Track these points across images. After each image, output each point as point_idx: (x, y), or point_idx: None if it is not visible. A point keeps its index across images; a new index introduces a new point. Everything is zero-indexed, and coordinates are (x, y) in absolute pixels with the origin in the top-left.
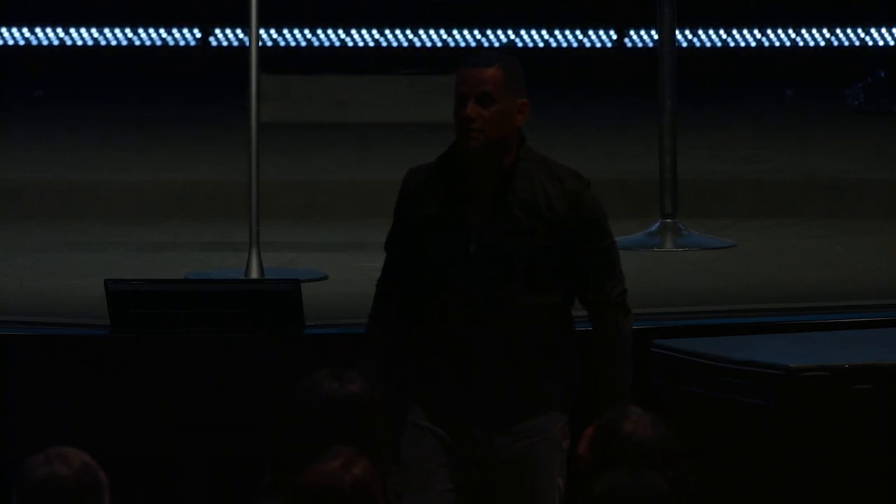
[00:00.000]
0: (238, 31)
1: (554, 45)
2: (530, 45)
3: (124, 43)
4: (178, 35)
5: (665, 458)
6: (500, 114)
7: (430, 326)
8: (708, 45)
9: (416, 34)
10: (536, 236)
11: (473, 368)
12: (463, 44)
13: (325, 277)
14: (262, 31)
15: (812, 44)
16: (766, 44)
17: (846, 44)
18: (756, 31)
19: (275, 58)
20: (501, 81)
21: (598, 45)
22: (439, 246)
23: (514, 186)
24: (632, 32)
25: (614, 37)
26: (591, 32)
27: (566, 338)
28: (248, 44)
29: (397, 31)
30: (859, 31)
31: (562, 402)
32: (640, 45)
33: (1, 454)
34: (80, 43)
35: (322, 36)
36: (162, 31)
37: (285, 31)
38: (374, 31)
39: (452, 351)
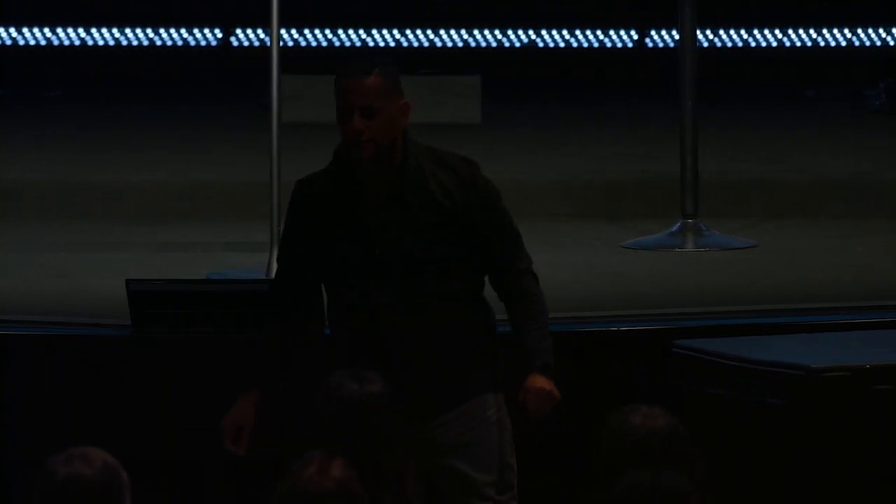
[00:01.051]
0: (259, 31)
1: (575, 45)
2: (551, 45)
3: (146, 43)
4: (199, 35)
5: (676, 450)
6: (386, 121)
7: (346, 331)
8: (729, 45)
9: (436, 34)
10: (437, 228)
11: (394, 367)
12: (483, 44)
13: None
14: (283, 32)
15: (833, 44)
16: (787, 44)
17: (867, 44)
18: (777, 32)
19: (296, 58)
20: (382, 89)
21: (619, 45)
22: (343, 254)
23: (407, 183)
24: (653, 32)
25: (635, 37)
26: (611, 32)
27: (483, 320)
28: (269, 44)
29: (418, 32)
30: (881, 31)
31: (491, 383)
32: (660, 45)
33: (21, 454)
34: (101, 43)
35: (343, 36)
36: (183, 31)
37: (306, 32)
38: (395, 31)
39: (372, 353)
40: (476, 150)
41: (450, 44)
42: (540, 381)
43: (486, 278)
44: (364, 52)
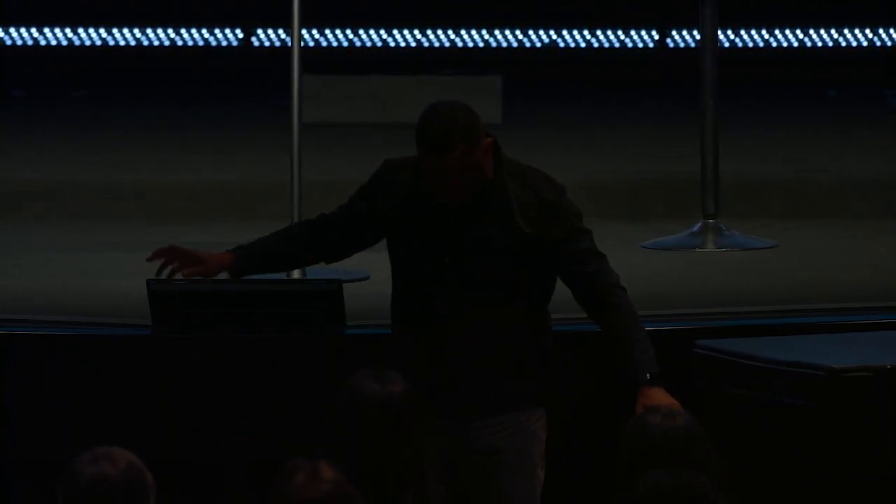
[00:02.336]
0: (280, 31)
1: (595, 45)
2: (572, 45)
3: (166, 43)
4: (220, 35)
5: (695, 450)
6: (471, 176)
7: (407, 327)
8: (750, 45)
9: (457, 34)
10: (507, 248)
11: (447, 369)
12: (504, 44)
13: (367, 277)
14: (304, 32)
15: (854, 44)
16: (808, 44)
17: (889, 44)
18: (798, 32)
19: (317, 58)
20: (462, 159)
21: (640, 45)
22: (415, 255)
23: (489, 200)
24: (674, 32)
25: (656, 37)
26: (632, 32)
27: (540, 339)
28: (290, 44)
29: (439, 32)
30: None
31: (536, 399)
32: (681, 45)
33: (43, 454)
34: (122, 43)
35: (364, 36)
36: (204, 31)
37: (327, 32)
38: (416, 31)
39: (428, 352)
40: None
41: (470, 44)
42: (655, 395)
43: (571, 296)
44: (439, 107)
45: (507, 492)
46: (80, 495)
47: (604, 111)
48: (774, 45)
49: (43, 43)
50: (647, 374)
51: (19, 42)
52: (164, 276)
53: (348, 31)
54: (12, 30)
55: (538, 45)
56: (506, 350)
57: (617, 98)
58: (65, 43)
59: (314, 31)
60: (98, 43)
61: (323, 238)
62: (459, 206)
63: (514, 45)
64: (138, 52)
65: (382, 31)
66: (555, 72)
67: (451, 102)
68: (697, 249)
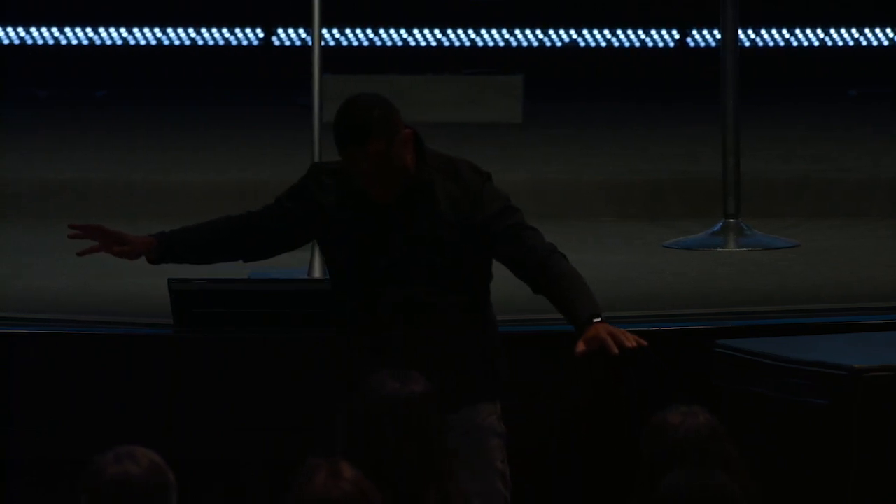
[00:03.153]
0: (301, 30)
1: (616, 44)
2: (592, 44)
3: (187, 43)
4: (240, 35)
5: (716, 450)
6: (391, 167)
7: (353, 330)
8: (771, 44)
9: (478, 34)
10: (441, 241)
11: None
12: (525, 44)
13: None
14: (324, 31)
15: (875, 43)
16: (830, 43)
17: None
18: (819, 31)
19: (337, 57)
20: (382, 149)
21: (661, 44)
22: (351, 258)
23: (416, 197)
24: (694, 32)
25: (677, 36)
26: (653, 32)
27: (485, 331)
28: (310, 43)
29: (459, 31)
30: None
31: (489, 393)
32: (702, 44)
33: (66, 452)
34: (142, 42)
35: (384, 35)
36: (225, 30)
37: (348, 31)
38: (437, 31)
39: (375, 353)
40: (517, 150)
41: (491, 43)
42: (596, 328)
43: (512, 280)
44: (355, 100)
45: (469, 492)
46: (103, 494)
47: (625, 111)
48: (795, 44)
49: (64, 42)
50: (585, 315)
51: (40, 42)
52: (83, 252)
53: (369, 31)
54: (33, 29)
55: (559, 44)
56: (449, 346)
57: (638, 97)
58: (86, 42)
59: (335, 31)
60: (119, 42)
61: (247, 237)
62: (388, 205)
63: (535, 44)
64: (159, 51)
65: (403, 31)
66: (576, 71)
67: (369, 95)
68: (719, 249)
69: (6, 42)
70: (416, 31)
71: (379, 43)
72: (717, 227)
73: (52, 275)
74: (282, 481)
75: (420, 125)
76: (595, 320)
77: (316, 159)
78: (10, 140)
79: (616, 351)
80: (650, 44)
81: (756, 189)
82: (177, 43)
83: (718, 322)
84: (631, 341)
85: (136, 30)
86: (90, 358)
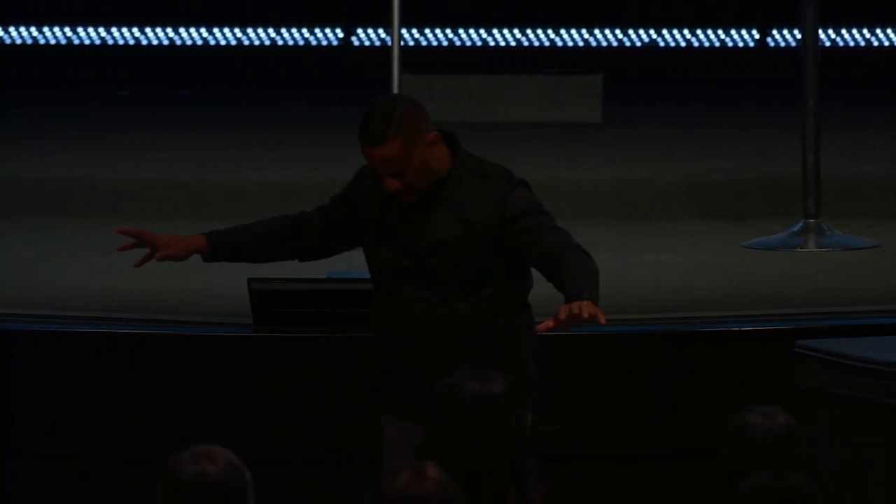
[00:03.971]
0: (380, 30)
1: (696, 44)
2: (672, 44)
3: (267, 43)
4: (320, 35)
5: (795, 450)
6: (418, 171)
7: (380, 329)
8: (851, 44)
9: (557, 34)
10: (467, 244)
11: (418, 371)
12: (605, 44)
13: None
14: (403, 31)
15: None
16: None
17: None
18: None
19: (417, 57)
20: (400, 151)
21: (741, 44)
22: (379, 256)
23: (443, 198)
24: (774, 32)
25: (757, 36)
26: (733, 32)
27: (515, 336)
28: (390, 43)
29: (539, 31)
30: None
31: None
32: (782, 44)
33: (145, 452)
34: (223, 43)
35: (464, 35)
36: (304, 30)
37: (427, 31)
38: (516, 31)
39: (400, 354)
40: (596, 150)
41: (570, 43)
42: (581, 304)
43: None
44: (376, 102)
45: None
46: (180, 494)
47: (704, 110)
48: (875, 43)
49: (144, 43)
50: (581, 291)
51: (121, 42)
52: (136, 262)
53: (448, 31)
54: (114, 29)
55: (639, 44)
56: (473, 347)
57: (717, 97)
58: (166, 43)
59: (414, 31)
60: (200, 43)
61: (300, 237)
62: (414, 206)
63: (615, 44)
64: (240, 51)
65: (482, 31)
66: (655, 71)
67: (396, 96)
68: (799, 249)
69: (87, 43)
70: (495, 31)
71: (458, 43)
72: (797, 228)
73: (131, 274)
74: (361, 478)
75: (498, 125)
76: (579, 296)
77: None
78: (91, 139)
79: (586, 315)
80: (730, 44)
81: (836, 189)
82: (257, 43)
83: (798, 322)
84: (584, 315)
85: (216, 30)
86: (169, 357)
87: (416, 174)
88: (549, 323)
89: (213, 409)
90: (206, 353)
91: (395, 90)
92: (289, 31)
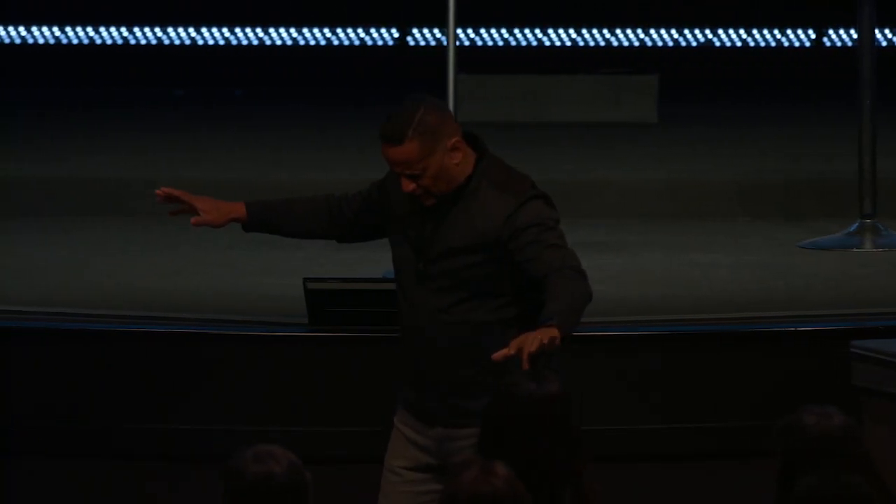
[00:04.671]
0: (435, 30)
1: (752, 44)
2: (728, 44)
3: (322, 43)
4: (375, 35)
5: (851, 451)
6: (436, 175)
7: (399, 329)
8: None
9: (612, 34)
10: (475, 254)
11: (425, 375)
12: (660, 43)
13: None
14: (459, 31)
15: None
16: None
17: None
18: None
19: (472, 57)
20: (417, 154)
21: (797, 44)
22: (399, 257)
23: (460, 205)
24: (830, 32)
25: (813, 36)
26: (789, 32)
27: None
28: (445, 43)
29: (594, 31)
30: None
31: None
32: (838, 44)
33: (200, 451)
34: (279, 42)
35: (519, 35)
36: (360, 30)
37: (483, 31)
38: (571, 31)
39: (411, 357)
40: (652, 150)
41: (626, 43)
42: (545, 329)
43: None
44: (405, 101)
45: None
46: (244, 493)
47: (759, 110)
48: None
49: (200, 42)
50: (551, 317)
51: (177, 42)
52: (171, 210)
53: (504, 31)
54: (170, 29)
55: (694, 44)
56: (482, 361)
57: (773, 97)
58: (222, 43)
59: (470, 31)
60: (256, 43)
61: (339, 219)
62: (433, 210)
63: (671, 44)
64: (295, 51)
65: (538, 31)
66: (711, 71)
67: (422, 97)
68: (855, 249)
69: (143, 42)
70: (550, 31)
71: (514, 43)
72: (853, 228)
73: (183, 274)
74: None
75: (554, 125)
76: (547, 321)
77: None
78: (147, 139)
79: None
80: (786, 43)
81: (893, 189)
82: (312, 43)
83: (854, 323)
84: (528, 349)
85: (272, 30)
86: (223, 357)
87: (433, 178)
88: (504, 352)
89: (270, 409)
90: (262, 352)
91: (451, 90)
92: (344, 32)
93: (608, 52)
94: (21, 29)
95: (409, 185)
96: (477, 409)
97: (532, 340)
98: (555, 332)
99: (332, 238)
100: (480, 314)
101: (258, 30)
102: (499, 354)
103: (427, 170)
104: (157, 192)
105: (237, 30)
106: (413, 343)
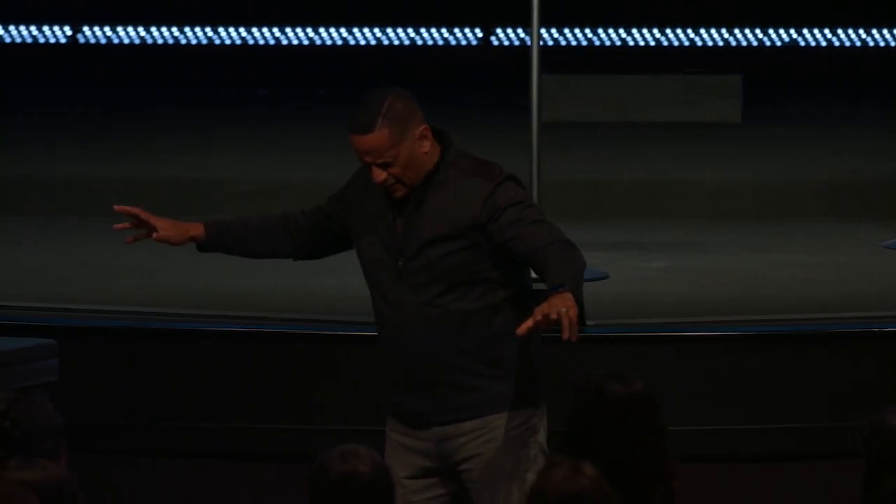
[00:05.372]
0: (519, 30)
1: (836, 43)
2: (812, 43)
3: (406, 43)
4: (459, 35)
5: None
6: (405, 163)
7: (378, 332)
8: None
9: (697, 33)
10: (454, 242)
11: (415, 375)
12: (745, 43)
13: (606, 277)
14: (543, 31)
15: None
16: None
17: None
18: None
19: (556, 57)
20: (388, 141)
21: (882, 44)
22: (370, 258)
23: (431, 196)
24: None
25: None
26: (874, 31)
27: (513, 337)
28: (529, 43)
29: (678, 31)
30: None
31: (521, 400)
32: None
33: (301, 449)
34: (362, 42)
35: (603, 35)
36: (444, 30)
37: (566, 31)
38: (655, 31)
39: (397, 359)
40: (735, 150)
41: (710, 43)
42: (559, 297)
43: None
44: (372, 91)
45: (484, 497)
46: (330, 492)
47: (844, 110)
48: None
49: (284, 42)
50: (560, 284)
51: (261, 42)
52: (128, 237)
53: (587, 31)
54: (254, 29)
55: (778, 43)
56: (473, 351)
57: (858, 97)
58: (306, 42)
59: (553, 31)
60: (339, 43)
61: (297, 233)
62: (403, 205)
63: (755, 44)
64: (379, 51)
65: (622, 31)
66: (795, 71)
67: (389, 87)
68: None
69: (227, 42)
70: (634, 31)
71: (597, 42)
72: None
73: (270, 274)
74: None
75: (637, 125)
76: (559, 289)
77: (533, 160)
78: (234, 138)
79: (544, 324)
80: (870, 43)
81: None
82: (396, 43)
83: None
84: (553, 315)
85: (355, 30)
86: (310, 356)
87: (403, 166)
88: (529, 323)
89: (350, 409)
90: (347, 351)
91: (534, 90)
92: (428, 31)
93: (692, 52)
94: (106, 29)
95: (380, 175)
96: (474, 401)
97: (552, 307)
98: (569, 297)
99: (286, 256)
100: (465, 302)
101: (342, 30)
102: (523, 327)
103: (398, 158)
104: (116, 207)
105: (321, 30)
106: (398, 345)
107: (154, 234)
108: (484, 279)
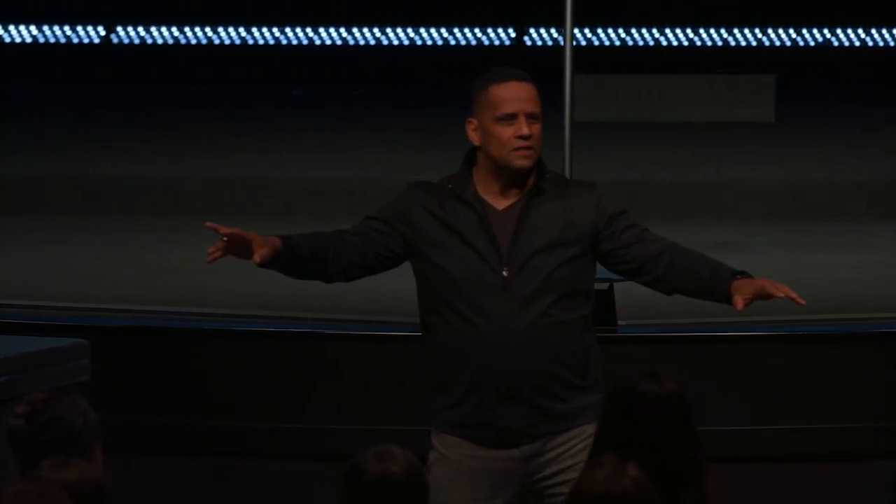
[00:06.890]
0: (552, 30)
1: (870, 43)
2: (846, 44)
3: (440, 43)
4: (492, 34)
5: None
6: (540, 131)
7: (461, 352)
8: None
9: (730, 34)
10: (569, 250)
11: (518, 388)
12: (778, 44)
13: None
14: (576, 31)
15: None
16: None
17: None
18: None
19: (589, 57)
20: (539, 95)
21: None
22: (464, 271)
23: (536, 206)
24: None
25: None
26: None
27: (595, 349)
28: (562, 43)
29: (712, 31)
30: None
31: (596, 413)
32: None
33: (340, 449)
34: (395, 43)
35: (636, 35)
36: (477, 30)
37: (599, 31)
38: (689, 31)
39: (494, 372)
40: (769, 150)
41: (744, 43)
42: (747, 283)
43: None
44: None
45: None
46: (363, 492)
47: (879, 111)
48: None
49: (318, 42)
50: (730, 273)
51: (294, 42)
52: (210, 257)
53: (621, 31)
54: (288, 29)
55: (812, 44)
56: (572, 361)
57: (892, 96)
58: (339, 43)
59: (587, 31)
60: (373, 43)
61: (348, 252)
62: (507, 213)
63: (788, 44)
64: (412, 51)
65: (655, 31)
66: (829, 71)
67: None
68: None
69: (262, 43)
70: (668, 31)
71: (630, 43)
72: None
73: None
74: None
75: (669, 125)
76: (738, 277)
77: (566, 159)
78: (269, 139)
79: (782, 295)
80: None
81: None
82: (429, 43)
83: None
84: (779, 293)
85: (388, 30)
86: (366, 357)
87: (541, 133)
88: (749, 298)
89: (392, 410)
90: (393, 353)
91: (567, 90)
92: (461, 31)
93: (726, 52)
94: (141, 29)
95: (529, 128)
96: (569, 412)
97: (774, 287)
98: (762, 279)
99: (335, 276)
100: (568, 313)
101: (375, 30)
102: (743, 302)
103: (539, 120)
104: (207, 224)
105: (354, 30)
106: (497, 358)
107: (256, 255)
108: (582, 290)
